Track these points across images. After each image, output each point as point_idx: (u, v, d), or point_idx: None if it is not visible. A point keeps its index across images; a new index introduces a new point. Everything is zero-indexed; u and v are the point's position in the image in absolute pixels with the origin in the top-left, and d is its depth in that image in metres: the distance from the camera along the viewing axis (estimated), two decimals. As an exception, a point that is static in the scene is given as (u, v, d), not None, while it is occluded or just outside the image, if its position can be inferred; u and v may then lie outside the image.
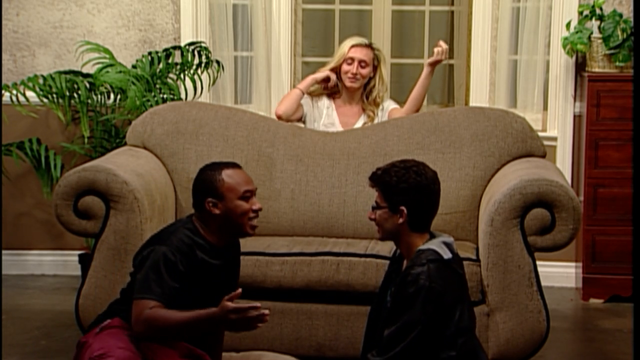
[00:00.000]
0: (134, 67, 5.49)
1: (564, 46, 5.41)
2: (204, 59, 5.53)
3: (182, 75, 5.51)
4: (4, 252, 5.65)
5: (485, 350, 3.77)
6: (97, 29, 5.71)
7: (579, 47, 5.34)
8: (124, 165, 4.19)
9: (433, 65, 4.99)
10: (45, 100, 5.19)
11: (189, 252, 3.36)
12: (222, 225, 3.42)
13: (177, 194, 4.53)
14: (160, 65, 5.47)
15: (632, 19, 5.30)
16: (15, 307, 5.09)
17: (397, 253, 3.54)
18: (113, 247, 4.07)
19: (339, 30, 5.93)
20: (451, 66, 5.93)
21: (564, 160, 5.61)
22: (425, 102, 5.19)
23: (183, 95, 5.51)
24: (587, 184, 5.36)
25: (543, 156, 4.53)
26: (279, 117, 4.90)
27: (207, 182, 3.42)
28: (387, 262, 3.74)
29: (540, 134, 4.86)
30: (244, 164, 3.81)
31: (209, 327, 3.22)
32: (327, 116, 5.04)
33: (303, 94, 4.99)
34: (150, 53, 5.53)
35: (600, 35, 5.33)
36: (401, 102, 5.12)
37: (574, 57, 5.54)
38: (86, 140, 5.33)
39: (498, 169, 4.46)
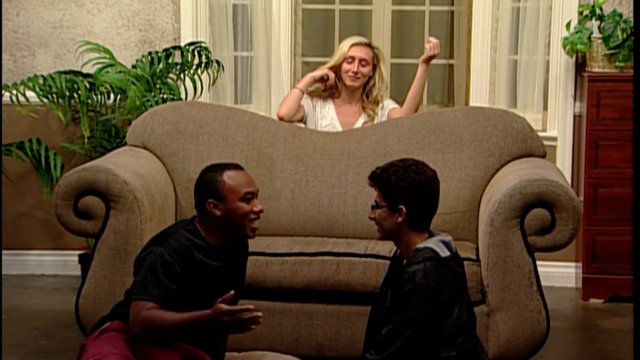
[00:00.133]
0: (134, 67, 5.49)
1: (564, 46, 5.41)
2: (204, 59, 5.53)
3: (182, 75, 5.51)
4: (4, 252, 5.65)
5: (485, 350, 3.77)
6: (97, 29, 5.71)
7: (579, 47, 5.34)
8: (124, 165, 4.19)
9: (427, 61, 4.99)
10: (45, 100, 5.19)
11: (186, 253, 3.35)
12: (223, 226, 3.41)
13: (177, 194, 4.53)
14: (160, 65, 5.47)
15: (632, 19, 5.30)
16: (15, 307, 5.09)
17: (397, 253, 3.53)
18: (113, 247, 4.07)
19: (339, 30, 5.93)
20: (451, 66, 5.93)
21: (564, 160, 5.61)
22: (425, 102, 5.19)
23: (183, 95, 5.51)
24: (587, 184, 5.36)
25: (543, 156, 4.53)
26: (281, 119, 4.90)
27: (208, 183, 3.41)
28: (387, 262, 3.73)
29: (540, 134, 4.86)
30: (244, 164, 3.80)
31: (203, 328, 3.21)
32: (327, 116, 5.04)
33: (303, 93, 4.99)
34: (150, 53, 5.53)
35: (600, 35, 5.33)
36: (401, 102, 5.12)
37: (574, 57, 5.53)
38: (86, 140, 5.33)
39: (498, 169, 4.46)
